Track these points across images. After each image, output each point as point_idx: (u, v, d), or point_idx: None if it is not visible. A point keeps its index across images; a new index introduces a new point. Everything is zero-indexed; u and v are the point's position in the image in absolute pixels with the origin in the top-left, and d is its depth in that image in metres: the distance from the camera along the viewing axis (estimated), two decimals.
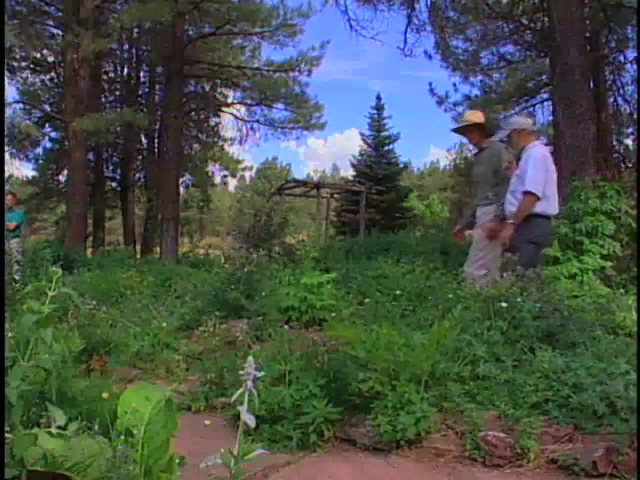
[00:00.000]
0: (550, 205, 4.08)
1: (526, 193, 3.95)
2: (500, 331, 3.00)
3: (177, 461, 1.60)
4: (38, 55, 16.97)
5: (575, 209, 5.75)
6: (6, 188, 11.09)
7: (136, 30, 17.94)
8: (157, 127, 18.92)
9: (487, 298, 3.26)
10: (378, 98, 25.09)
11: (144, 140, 20.54)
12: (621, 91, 12.35)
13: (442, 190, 35.35)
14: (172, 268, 9.72)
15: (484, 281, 4.23)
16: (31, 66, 17.24)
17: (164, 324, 4.08)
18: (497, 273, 4.42)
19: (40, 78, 17.98)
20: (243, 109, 18.86)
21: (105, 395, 1.92)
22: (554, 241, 5.60)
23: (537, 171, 4.00)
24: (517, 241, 3.99)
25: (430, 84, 14.61)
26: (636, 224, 5.67)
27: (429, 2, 11.81)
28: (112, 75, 20.00)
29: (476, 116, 4.85)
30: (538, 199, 3.97)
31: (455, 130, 4.94)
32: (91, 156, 18.24)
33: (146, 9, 12.58)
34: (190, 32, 16.46)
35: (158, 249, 16.49)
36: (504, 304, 3.12)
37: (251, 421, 1.23)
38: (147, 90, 20.13)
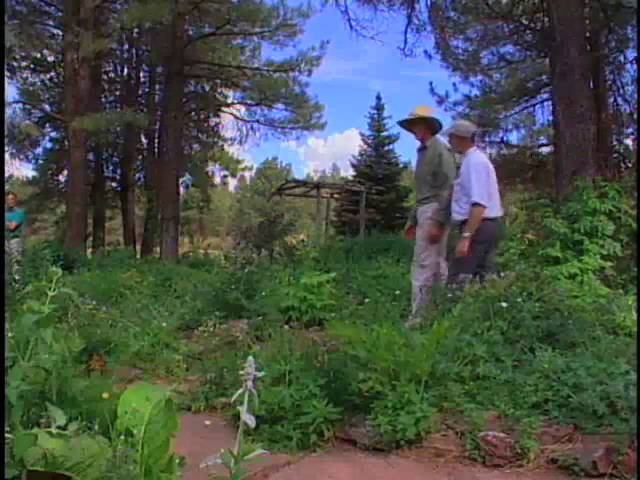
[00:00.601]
0: (493, 209, 4.14)
1: (474, 205, 4.01)
2: (500, 331, 3.00)
3: (177, 461, 1.60)
4: (38, 55, 16.96)
5: (575, 209, 5.75)
6: (6, 188, 11.09)
7: (136, 30, 17.94)
8: (157, 127, 18.92)
9: (487, 298, 3.26)
10: (378, 98, 25.06)
11: (144, 140, 20.54)
12: (621, 91, 12.33)
13: None
14: (172, 268, 9.72)
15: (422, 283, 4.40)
16: (31, 66, 17.24)
17: (164, 324, 4.08)
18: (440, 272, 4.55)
19: (40, 78, 17.99)
20: (243, 109, 18.87)
21: (105, 395, 1.92)
22: (555, 241, 5.61)
23: (480, 181, 4.06)
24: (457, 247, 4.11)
25: (430, 83, 14.60)
26: (636, 224, 5.67)
27: (429, 2, 11.81)
28: (112, 75, 19.99)
29: (424, 110, 4.75)
30: (485, 207, 4.04)
31: (402, 123, 4.84)
32: (91, 156, 18.24)
33: (146, 9, 12.58)
34: (190, 32, 16.45)
35: (158, 249, 16.49)
36: (504, 304, 3.12)
37: (251, 421, 1.23)
38: (147, 90, 20.13)
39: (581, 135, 7.63)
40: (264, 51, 22.12)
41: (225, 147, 21.31)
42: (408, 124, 4.74)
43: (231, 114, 19.00)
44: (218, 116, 20.07)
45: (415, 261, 4.61)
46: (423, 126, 4.60)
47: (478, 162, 4.17)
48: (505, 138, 15.37)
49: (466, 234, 4.01)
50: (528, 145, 15.74)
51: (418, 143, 4.72)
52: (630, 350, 2.77)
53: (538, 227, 6.22)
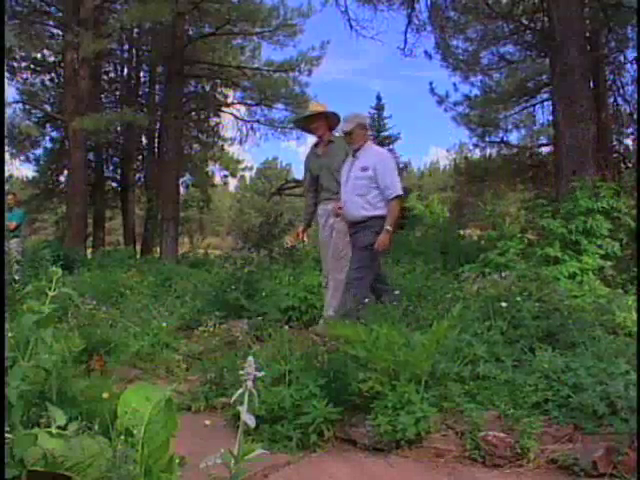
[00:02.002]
0: None
1: (397, 197, 3.89)
2: (500, 331, 3.00)
3: (177, 461, 1.60)
4: (38, 55, 16.97)
5: (569, 209, 5.76)
6: (6, 188, 11.09)
7: (136, 30, 17.95)
8: (157, 127, 18.92)
9: (487, 298, 3.26)
10: (378, 98, 25.04)
11: (144, 140, 20.54)
12: (621, 91, 12.36)
13: (442, 190, 35.28)
14: (172, 268, 9.72)
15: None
16: (31, 66, 17.24)
17: (164, 324, 4.08)
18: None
19: (40, 78, 17.99)
20: (243, 109, 18.87)
21: (105, 395, 1.92)
22: (554, 241, 5.60)
23: (395, 173, 3.97)
24: (361, 243, 3.90)
25: (430, 84, 14.63)
26: (636, 224, 5.67)
27: (429, 2, 11.82)
28: (112, 75, 20.01)
29: (322, 106, 4.58)
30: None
31: (299, 122, 4.69)
32: (91, 156, 18.25)
33: (146, 9, 12.58)
34: (190, 32, 16.46)
35: (158, 249, 16.49)
36: (504, 304, 3.12)
37: (251, 421, 1.23)
38: (147, 90, 20.14)
39: (581, 135, 7.64)
40: (264, 51, 22.13)
41: (225, 147, 21.33)
42: (307, 122, 4.60)
43: (231, 114, 19.02)
44: (218, 116, 20.08)
45: (337, 269, 4.30)
46: (323, 122, 4.46)
47: (389, 156, 4.10)
48: (505, 138, 15.40)
49: (389, 227, 3.84)
50: (528, 145, 15.76)
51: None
52: (630, 350, 2.77)
53: (538, 227, 6.22)
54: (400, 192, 3.89)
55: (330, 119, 4.50)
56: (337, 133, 4.63)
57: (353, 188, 3.97)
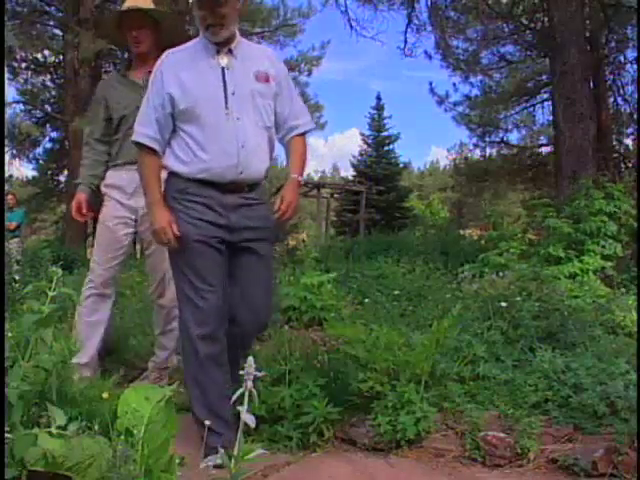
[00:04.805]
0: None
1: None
2: (500, 331, 3.00)
3: (177, 461, 1.60)
4: (39, 55, 16.98)
5: (579, 209, 5.75)
6: (6, 188, 11.11)
7: None
8: None
9: (486, 298, 3.27)
10: (378, 98, 25.15)
11: None
12: (621, 91, 12.35)
13: (442, 190, 35.30)
14: None
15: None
16: (32, 67, 17.24)
17: None
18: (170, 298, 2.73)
19: (40, 78, 17.99)
20: None
21: (105, 395, 1.92)
22: (558, 241, 5.59)
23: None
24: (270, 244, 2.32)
25: (430, 84, 14.65)
26: (636, 224, 5.67)
27: (429, 2, 11.81)
28: None
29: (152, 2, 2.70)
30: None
31: (110, 23, 2.86)
32: None
33: None
34: (190, 32, 16.47)
35: None
36: (504, 304, 3.12)
37: (251, 421, 1.23)
38: None
39: (581, 135, 7.64)
40: None
41: None
42: (122, 25, 2.64)
43: None
44: None
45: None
46: (150, 30, 2.62)
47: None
48: (505, 138, 15.41)
49: (300, 178, 2.34)
50: (528, 145, 15.77)
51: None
52: (630, 350, 2.77)
53: (539, 227, 6.22)
54: (314, 126, 2.28)
55: (162, 28, 2.71)
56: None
57: (255, 112, 2.04)
